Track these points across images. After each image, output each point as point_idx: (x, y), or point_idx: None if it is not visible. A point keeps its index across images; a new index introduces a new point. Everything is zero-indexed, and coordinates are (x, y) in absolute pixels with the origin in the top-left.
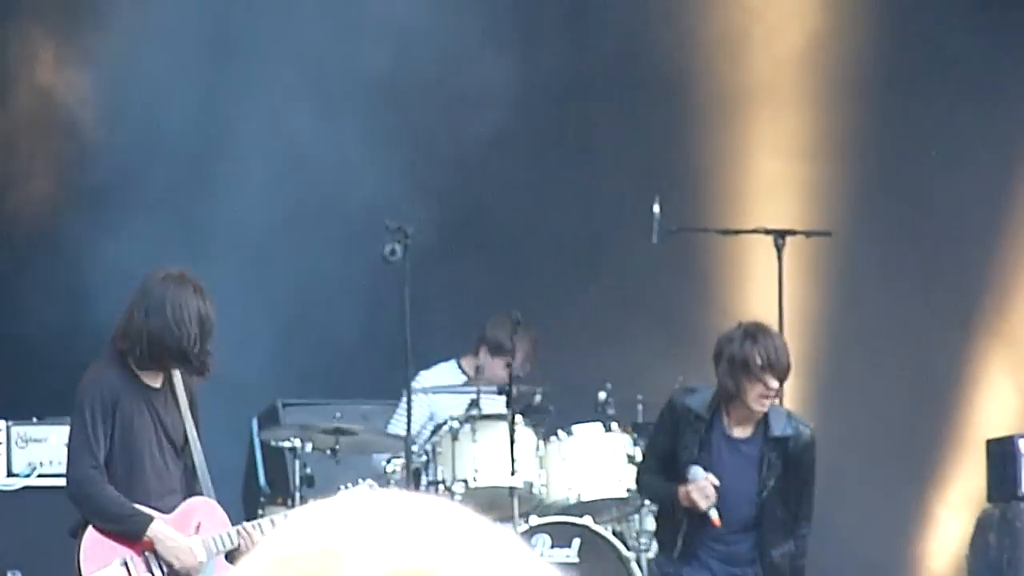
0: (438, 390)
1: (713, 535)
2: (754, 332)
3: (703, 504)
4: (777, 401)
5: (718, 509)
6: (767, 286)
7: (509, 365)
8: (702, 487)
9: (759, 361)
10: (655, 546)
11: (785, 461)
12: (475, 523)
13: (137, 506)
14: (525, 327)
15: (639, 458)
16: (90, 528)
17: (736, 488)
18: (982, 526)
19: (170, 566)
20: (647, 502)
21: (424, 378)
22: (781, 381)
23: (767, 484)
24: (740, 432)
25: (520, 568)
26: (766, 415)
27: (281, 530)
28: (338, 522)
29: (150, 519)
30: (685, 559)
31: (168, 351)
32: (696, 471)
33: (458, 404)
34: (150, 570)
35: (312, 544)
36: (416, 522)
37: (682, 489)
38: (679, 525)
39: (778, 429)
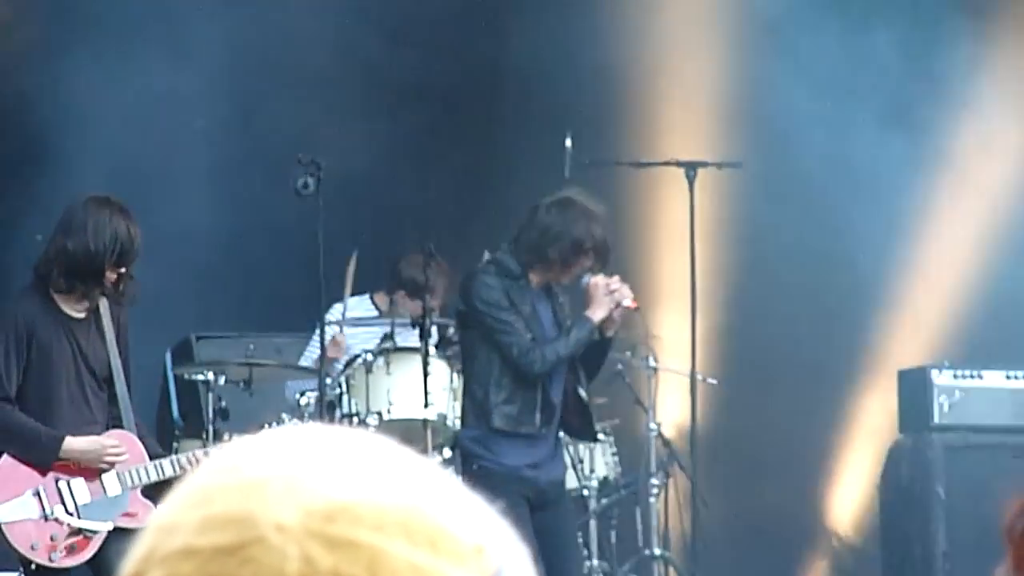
0: (352, 322)
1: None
2: (589, 213)
3: (625, 293)
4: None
5: None
6: (679, 218)
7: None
8: (607, 282)
9: (589, 243)
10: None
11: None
12: (401, 456)
13: (47, 428)
14: (438, 260)
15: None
16: (5, 456)
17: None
18: (894, 457)
19: (93, 475)
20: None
21: (337, 311)
22: (606, 264)
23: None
24: (537, 285)
25: (446, 502)
26: None
27: (204, 465)
28: (262, 457)
29: (61, 438)
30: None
31: (83, 272)
32: (584, 277)
33: (370, 339)
34: (62, 501)
35: (235, 478)
36: (341, 456)
37: (602, 301)
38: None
39: None
